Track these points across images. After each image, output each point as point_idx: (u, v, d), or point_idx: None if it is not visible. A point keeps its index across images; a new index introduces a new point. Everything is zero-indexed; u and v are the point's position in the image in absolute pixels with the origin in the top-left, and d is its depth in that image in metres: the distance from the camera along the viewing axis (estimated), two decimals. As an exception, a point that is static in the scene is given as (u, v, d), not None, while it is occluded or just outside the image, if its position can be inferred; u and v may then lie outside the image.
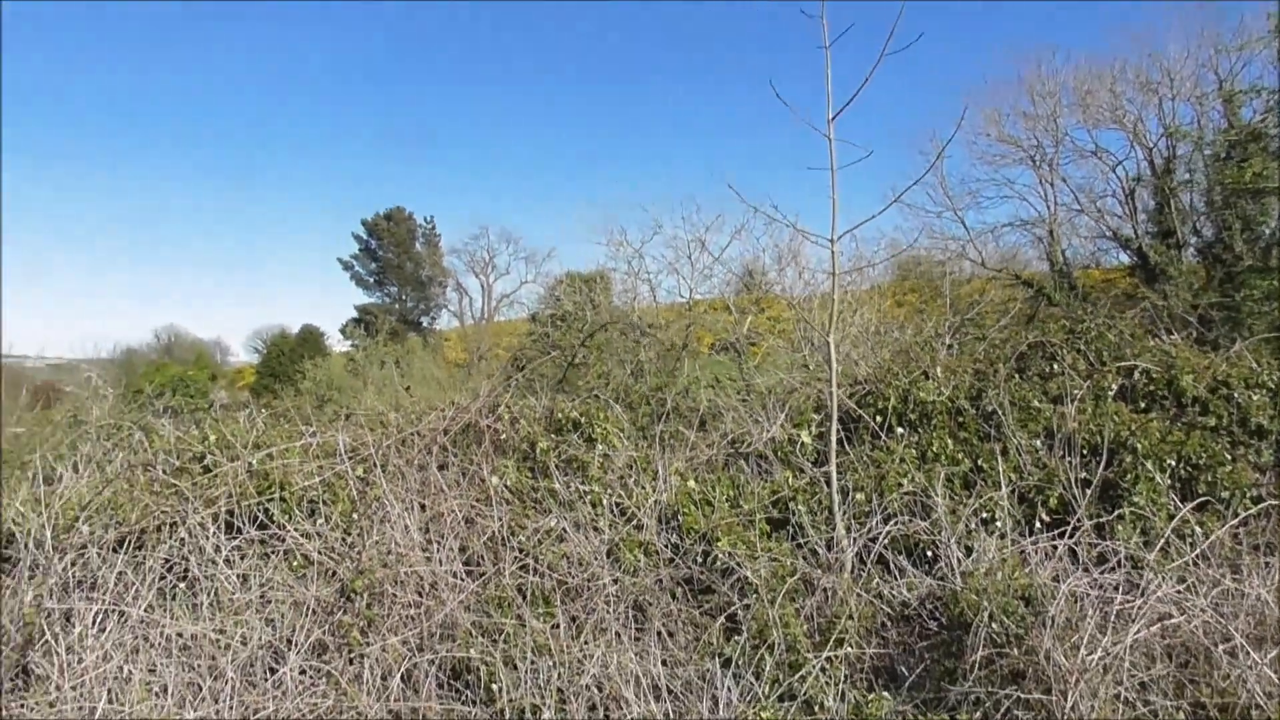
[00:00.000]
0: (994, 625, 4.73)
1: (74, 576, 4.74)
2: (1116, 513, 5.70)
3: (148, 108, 76.46)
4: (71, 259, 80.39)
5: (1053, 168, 26.60)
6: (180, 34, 72.97)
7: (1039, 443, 6.36)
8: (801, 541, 5.73)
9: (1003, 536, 5.60)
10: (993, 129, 27.15)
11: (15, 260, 72.01)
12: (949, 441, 6.40)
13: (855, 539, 5.68)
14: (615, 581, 5.34)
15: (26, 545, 4.81)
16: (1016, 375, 7.07)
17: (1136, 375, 6.90)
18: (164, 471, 5.70)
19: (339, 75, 78.68)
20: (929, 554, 5.63)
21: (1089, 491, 5.84)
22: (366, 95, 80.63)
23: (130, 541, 5.05)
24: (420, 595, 5.12)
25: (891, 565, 5.58)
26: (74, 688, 4.06)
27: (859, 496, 5.98)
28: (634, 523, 5.78)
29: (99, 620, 4.48)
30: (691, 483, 6.13)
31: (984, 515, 5.83)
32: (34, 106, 70.10)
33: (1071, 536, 5.46)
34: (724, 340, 18.90)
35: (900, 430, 6.64)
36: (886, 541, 5.62)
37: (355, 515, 5.54)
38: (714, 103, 72.03)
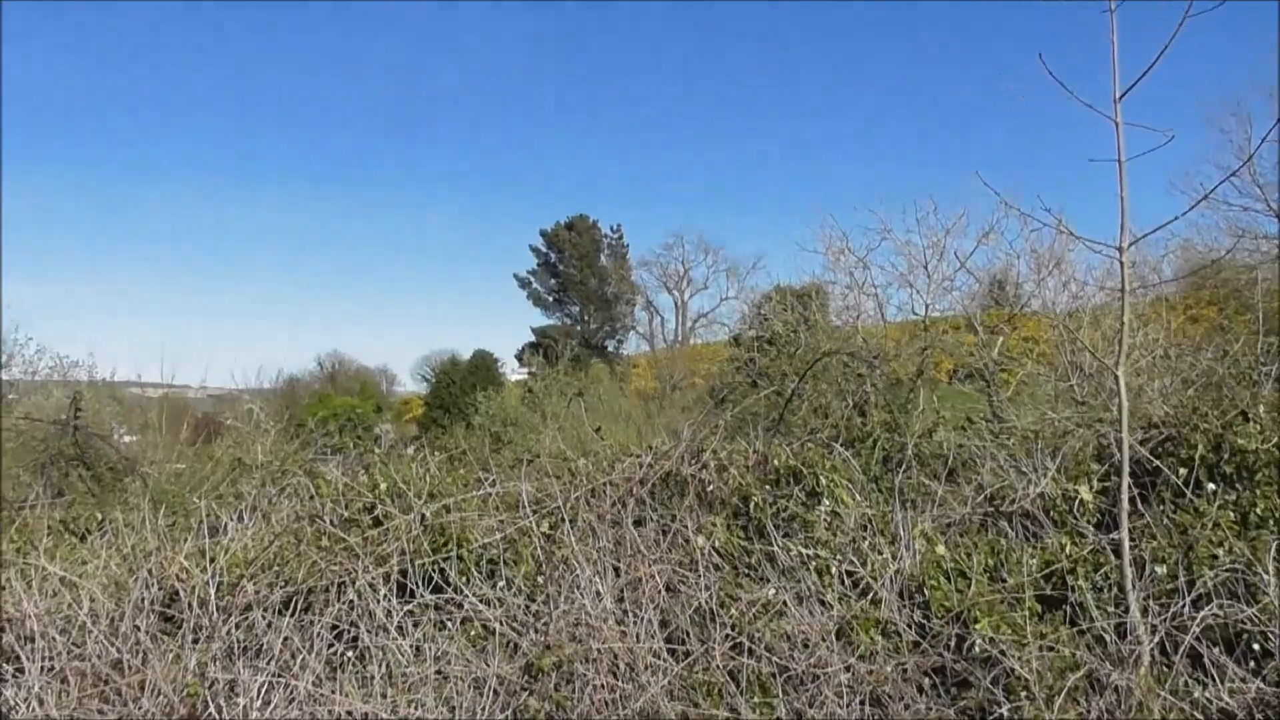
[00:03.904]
0: (1356, 749, 4.24)
1: (238, 641, 5.00)
2: None
3: (298, 128, 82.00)
4: (236, 286, 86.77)
5: (1403, 148, 24.21)
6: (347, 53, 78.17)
7: None
8: (1084, 627, 5.35)
9: (1361, 631, 5.04)
10: (1320, 101, 24.96)
11: (182, 291, 79.06)
12: (1280, 502, 5.85)
13: (1156, 626, 5.25)
14: (848, 669, 5.15)
15: (190, 605, 5.11)
16: (1373, 418, 6.40)
17: None
18: (332, 523, 5.95)
19: (510, 63, 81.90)
20: (1256, 647, 5.14)
21: None
22: (543, 88, 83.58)
23: (297, 603, 5.28)
24: (615, 676, 5.10)
25: (1206, 660, 5.12)
26: (238, 769, 4.26)
27: (1160, 571, 5.53)
28: (870, 596, 5.58)
29: (264, 692, 4.69)
30: (940, 548, 5.86)
31: (1332, 600, 5.26)
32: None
33: None
34: (968, 366, 18.23)
35: (1212, 486, 6.12)
36: (1199, 630, 5.16)
37: (540, 578, 5.60)
38: (949, 84, 70.43)
